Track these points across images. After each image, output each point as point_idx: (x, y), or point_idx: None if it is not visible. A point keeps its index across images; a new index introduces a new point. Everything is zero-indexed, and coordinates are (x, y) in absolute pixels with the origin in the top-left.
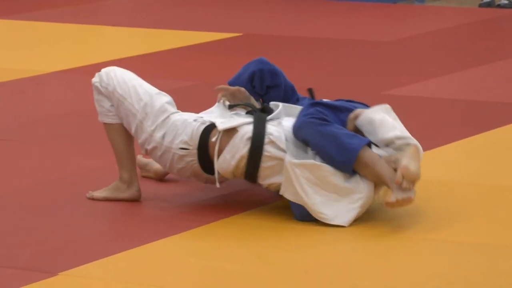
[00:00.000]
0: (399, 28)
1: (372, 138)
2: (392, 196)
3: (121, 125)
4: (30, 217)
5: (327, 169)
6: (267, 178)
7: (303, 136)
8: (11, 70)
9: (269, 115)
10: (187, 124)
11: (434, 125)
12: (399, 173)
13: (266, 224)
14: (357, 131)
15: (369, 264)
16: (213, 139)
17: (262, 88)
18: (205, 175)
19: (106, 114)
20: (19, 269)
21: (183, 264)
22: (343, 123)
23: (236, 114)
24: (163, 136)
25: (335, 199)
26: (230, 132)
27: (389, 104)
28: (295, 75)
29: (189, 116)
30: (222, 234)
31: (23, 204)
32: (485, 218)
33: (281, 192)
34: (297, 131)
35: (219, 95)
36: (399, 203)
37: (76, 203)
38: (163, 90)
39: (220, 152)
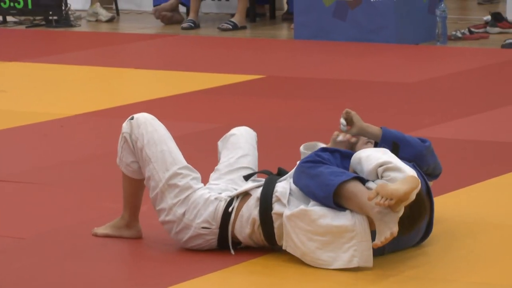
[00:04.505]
0: (421, 70)
1: (364, 176)
2: (377, 238)
3: (136, 180)
4: (52, 261)
5: (314, 212)
6: (282, 238)
7: (296, 183)
8: (35, 113)
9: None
10: (210, 203)
11: (456, 167)
12: (373, 190)
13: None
14: None
15: None
16: (230, 209)
17: None
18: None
19: (125, 165)
20: None
21: None
22: (347, 169)
23: (252, 180)
24: (184, 213)
25: (330, 241)
26: (245, 198)
27: None
28: (317, 116)
29: (211, 193)
30: (253, 271)
31: (45, 248)
32: (510, 260)
33: (284, 247)
34: (293, 180)
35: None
36: (383, 243)
37: (99, 246)
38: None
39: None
